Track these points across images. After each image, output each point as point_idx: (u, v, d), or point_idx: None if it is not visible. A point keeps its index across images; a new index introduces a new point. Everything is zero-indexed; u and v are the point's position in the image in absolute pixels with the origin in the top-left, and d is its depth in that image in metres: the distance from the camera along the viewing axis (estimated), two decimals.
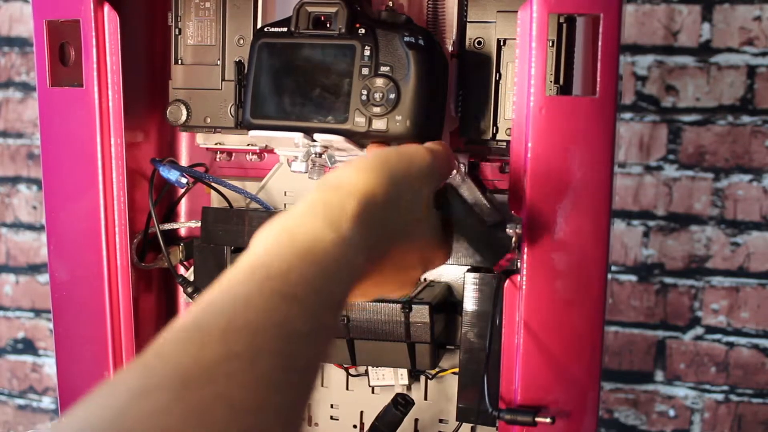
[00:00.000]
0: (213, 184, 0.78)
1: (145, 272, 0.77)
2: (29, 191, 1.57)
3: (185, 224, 0.80)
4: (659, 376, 1.34)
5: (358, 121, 0.63)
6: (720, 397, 1.32)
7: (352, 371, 0.79)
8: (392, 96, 0.62)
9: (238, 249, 0.76)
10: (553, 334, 0.61)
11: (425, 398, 0.78)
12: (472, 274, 0.68)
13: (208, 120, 0.75)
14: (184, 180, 0.70)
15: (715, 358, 1.32)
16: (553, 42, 0.62)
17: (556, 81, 0.63)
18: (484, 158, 0.74)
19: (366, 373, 0.77)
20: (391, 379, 0.76)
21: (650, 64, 1.29)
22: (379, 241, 0.46)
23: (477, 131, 0.70)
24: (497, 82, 0.69)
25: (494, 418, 0.62)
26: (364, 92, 0.63)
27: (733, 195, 1.29)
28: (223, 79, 0.75)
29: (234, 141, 0.78)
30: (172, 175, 0.71)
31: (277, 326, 0.35)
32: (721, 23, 1.27)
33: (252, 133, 0.66)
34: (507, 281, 0.62)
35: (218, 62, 0.75)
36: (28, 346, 1.61)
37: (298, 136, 0.64)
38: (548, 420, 0.59)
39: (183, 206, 0.83)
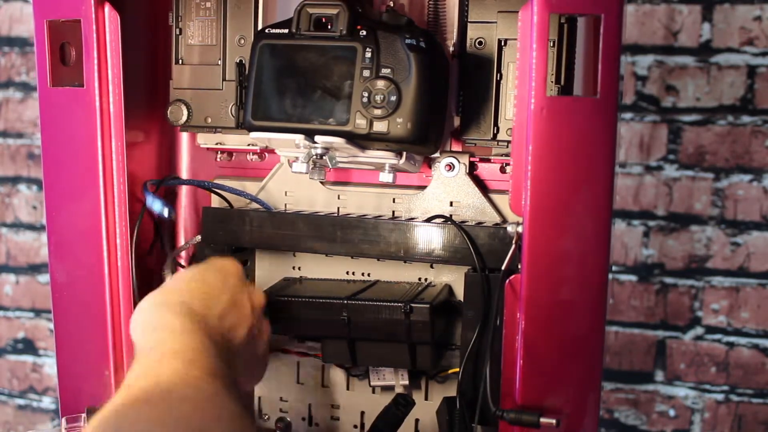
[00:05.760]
0: (214, 189, 0.77)
1: (145, 272, 0.77)
2: (29, 191, 1.57)
3: (186, 244, 0.80)
4: (659, 376, 1.34)
5: (359, 123, 0.63)
6: (720, 397, 1.32)
7: (352, 371, 0.79)
8: (393, 98, 0.62)
9: (239, 249, 0.76)
10: (554, 334, 0.61)
11: (426, 398, 0.78)
12: (472, 274, 0.68)
13: (209, 120, 0.75)
14: (166, 212, 0.69)
15: (715, 358, 1.32)
16: (554, 42, 0.62)
17: (557, 81, 0.63)
18: (485, 158, 0.74)
19: (367, 373, 0.77)
20: (392, 379, 0.76)
21: (650, 64, 1.29)
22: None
23: (478, 131, 0.70)
24: (498, 83, 0.69)
25: (496, 417, 0.62)
26: (365, 94, 0.63)
27: (733, 195, 1.29)
28: (223, 79, 0.75)
29: (234, 141, 0.78)
30: (156, 206, 0.69)
31: None
32: (722, 23, 1.27)
33: (253, 134, 0.66)
34: (507, 281, 0.62)
35: (219, 62, 0.75)
36: (28, 346, 1.61)
37: (299, 138, 0.64)
38: (553, 422, 0.59)
39: (183, 207, 0.83)
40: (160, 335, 0.56)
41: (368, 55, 0.63)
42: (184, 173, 0.83)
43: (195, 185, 0.75)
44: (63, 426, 0.68)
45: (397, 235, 0.70)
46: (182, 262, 0.80)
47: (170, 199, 0.82)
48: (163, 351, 0.54)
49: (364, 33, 0.63)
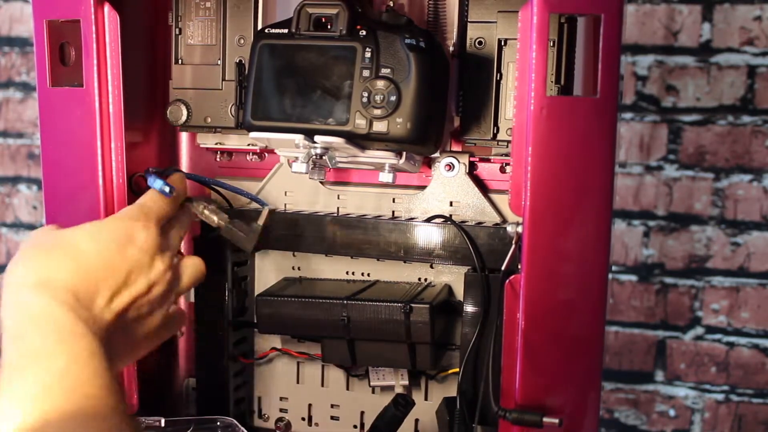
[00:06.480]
0: (213, 186, 0.77)
1: None
2: (29, 191, 1.57)
3: None
4: (659, 376, 1.34)
5: (359, 123, 0.63)
6: (720, 397, 1.32)
7: (352, 371, 0.79)
8: (393, 98, 0.62)
9: (238, 249, 0.76)
10: (554, 334, 0.61)
11: (425, 398, 0.78)
12: (472, 275, 0.68)
13: (209, 120, 0.75)
14: (167, 189, 0.67)
15: (716, 358, 1.32)
16: (554, 42, 0.62)
17: (557, 81, 0.63)
18: (485, 158, 0.74)
19: (366, 373, 0.77)
20: (392, 379, 0.76)
21: (650, 64, 1.29)
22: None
23: (478, 131, 0.70)
24: (498, 82, 0.69)
25: (498, 417, 0.62)
26: (365, 94, 0.63)
27: (734, 195, 1.29)
28: (223, 79, 0.75)
29: (234, 141, 0.78)
30: (156, 184, 0.67)
31: None
32: (722, 23, 1.27)
33: (252, 134, 0.66)
34: (507, 281, 0.62)
35: (219, 62, 0.75)
36: None
37: (299, 138, 0.64)
38: (556, 421, 0.59)
39: None
40: (44, 339, 0.48)
41: (368, 55, 0.63)
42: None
43: (196, 180, 0.75)
44: None
45: (397, 235, 0.70)
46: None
47: None
48: (52, 371, 0.47)
49: (364, 33, 0.63)
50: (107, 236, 0.57)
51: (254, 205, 0.78)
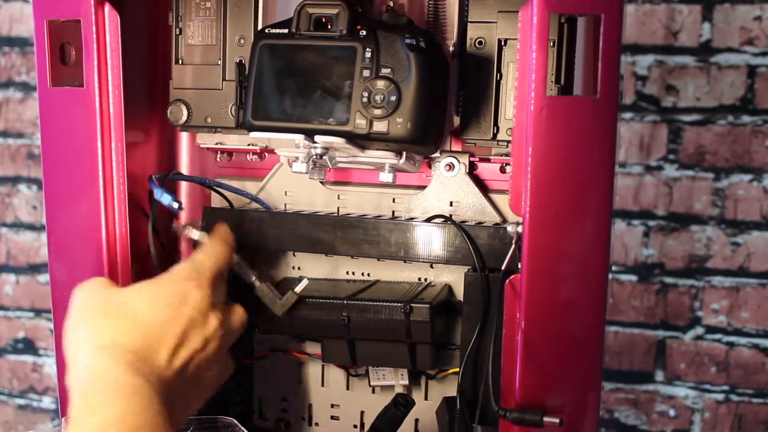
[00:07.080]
0: (214, 187, 0.77)
1: (145, 273, 0.77)
2: (29, 191, 1.57)
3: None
4: (659, 376, 1.34)
5: (359, 123, 0.63)
6: (720, 397, 1.32)
7: (352, 371, 0.79)
8: (393, 98, 0.62)
9: (237, 249, 0.76)
10: (554, 334, 0.61)
11: (425, 398, 0.78)
12: (472, 274, 0.68)
13: (209, 120, 0.75)
14: (176, 205, 0.66)
15: (716, 358, 1.32)
16: (554, 42, 0.62)
17: (557, 81, 0.63)
18: (485, 158, 0.74)
19: (366, 373, 0.77)
20: (392, 379, 0.76)
21: (650, 64, 1.29)
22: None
23: (478, 131, 0.70)
24: (498, 82, 0.69)
25: (498, 416, 0.62)
26: (365, 94, 0.63)
27: (734, 195, 1.29)
28: (223, 79, 0.75)
29: (235, 141, 0.78)
30: (164, 199, 0.67)
31: None
32: (722, 23, 1.27)
33: (253, 134, 0.66)
34: (507, 281, 0.62)
35: (219, 62, 0.75)
36: (28, 346, 1.61)
37: (299, 138, 0.64)
38: (556, 421, 0.59)
39: (184, 204, 0.83)
40: (102, 393, 0.52)
41: (368, 55, 0.63)
42: (184, 173, 0.83)
43: (198, 183, 0.75)
44: (63, 426, 0.68)
45: (397, 235, 0.70)
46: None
47: None
48: (106, 419, 0.51)
49: (364, 33, 0.63)
50: (163, 298, 0.59)
51: (254, 205, 0.78)
